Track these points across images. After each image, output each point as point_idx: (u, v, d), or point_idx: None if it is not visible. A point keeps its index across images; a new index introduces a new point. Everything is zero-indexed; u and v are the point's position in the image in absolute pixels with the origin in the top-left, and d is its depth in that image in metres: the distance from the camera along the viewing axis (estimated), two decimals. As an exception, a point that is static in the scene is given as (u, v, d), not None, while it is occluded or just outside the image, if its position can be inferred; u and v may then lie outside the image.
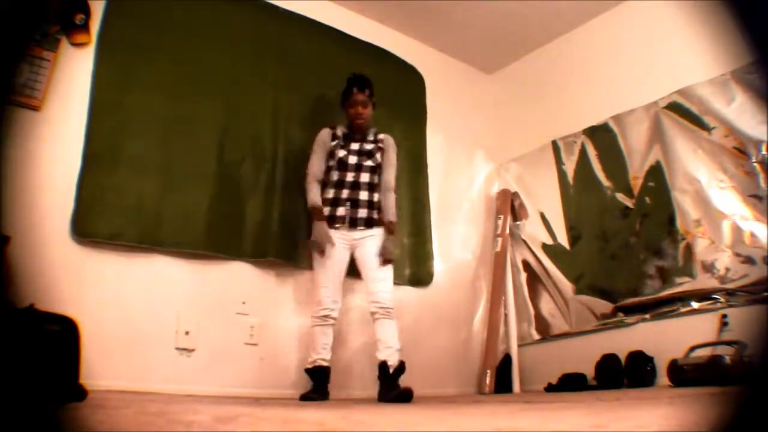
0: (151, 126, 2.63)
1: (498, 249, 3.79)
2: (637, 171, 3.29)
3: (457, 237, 3.83)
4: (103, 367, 2.14)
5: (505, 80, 4.32)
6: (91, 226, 2.39)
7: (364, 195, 2.71)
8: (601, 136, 3.52)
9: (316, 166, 2.78)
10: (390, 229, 2.72)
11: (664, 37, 3.21)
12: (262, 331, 2.78)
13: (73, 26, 2.51)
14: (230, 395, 2.49)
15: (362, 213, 2.69)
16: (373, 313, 2.61)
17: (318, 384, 2.53)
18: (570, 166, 3.68)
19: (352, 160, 2.74)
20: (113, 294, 2.40)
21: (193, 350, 2.56)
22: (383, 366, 2.50)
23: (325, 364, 2.57)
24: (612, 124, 3.47)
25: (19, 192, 2.08)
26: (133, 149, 2.56)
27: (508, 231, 3.83)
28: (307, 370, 2.57)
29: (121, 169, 2.51)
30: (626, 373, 2.93)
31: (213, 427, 1.00)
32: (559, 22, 3.78)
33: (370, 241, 2.68)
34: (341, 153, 2.75)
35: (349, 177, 2.71)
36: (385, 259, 2.65)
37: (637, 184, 3.27)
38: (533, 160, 3.91)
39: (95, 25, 2.58)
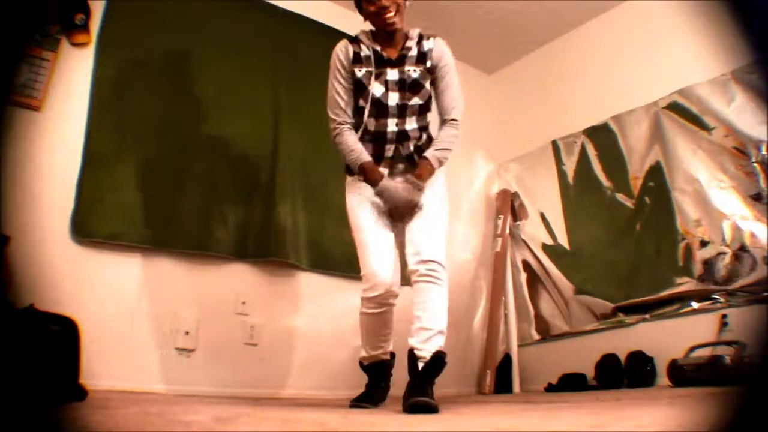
0: (151, 126, 2.63)
1: (498, 249, 3.79)
2: (637, 171, 3.29)
3: (457, 237, 3.83)
4: (103, 367, 2.14)
5: (505, 80, 4.32)
6: (91, 226, 2.39)
7: (411, 146, 1.96)
8: (601, 136, 3.52)
9: (341, 105, 1.97)
10: (419, 173, 1.91)
11: (664, 37, 3.21)
12: (262, 331, 2.78)
13: (73, 26, 2.51)
14: (230, 395, 2.49)
15: (411, 168, 1.98)
16: (412, 273, 1.86)
17: (372, 383, 2.04)
18: (570, 166, 3.68)
19: (393, 99, 1.91)
20: (113, 294, 2.39)
21: (193, 350, 2.56)
22: (411, 356, 1.77)
23: (384, 357, 2.04)
24: (612, 124, 3.47)
25: (19, 192, 2.09)
26: (133, 149, 2.56)
27: (508, 231, 3.82)
28: (362, 367, 2.08)
29: (121, 169, 2.51)
30: (626, 373, 2.93)
31: (213, 427, 1.00)
32: (559, 22, 3.78)
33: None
34: (376, 89, 1.91)
35: (391, 125, 1.92)
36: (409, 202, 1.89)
37: (637, 184, 3.27)
38: (533, 160, 3.91)
39: (95, 25, 2.58)
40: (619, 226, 3.30)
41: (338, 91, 1.98)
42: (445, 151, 1.96)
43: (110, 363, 2.24)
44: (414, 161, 1.96)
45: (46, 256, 2.20)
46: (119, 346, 2.33)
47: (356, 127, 1.98)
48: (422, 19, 3.76)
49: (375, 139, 1.96)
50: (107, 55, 2.57)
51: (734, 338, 2.50)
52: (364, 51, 1.95)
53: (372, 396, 2.00)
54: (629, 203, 3.29)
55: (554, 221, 3.69)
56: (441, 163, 1.97)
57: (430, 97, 1.97)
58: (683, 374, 2.52)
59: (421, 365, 1.73)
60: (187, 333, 2.55)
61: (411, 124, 1.94)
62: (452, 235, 3.79)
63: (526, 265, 3.79)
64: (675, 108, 3.13)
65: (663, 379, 2.70)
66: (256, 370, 2.72)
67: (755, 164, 2.76)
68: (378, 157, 1.96)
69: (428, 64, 1.95)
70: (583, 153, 3.61)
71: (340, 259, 2.98)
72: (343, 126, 1.97)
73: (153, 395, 2.20)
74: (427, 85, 1.95)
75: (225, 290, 2.72)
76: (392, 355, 2.10)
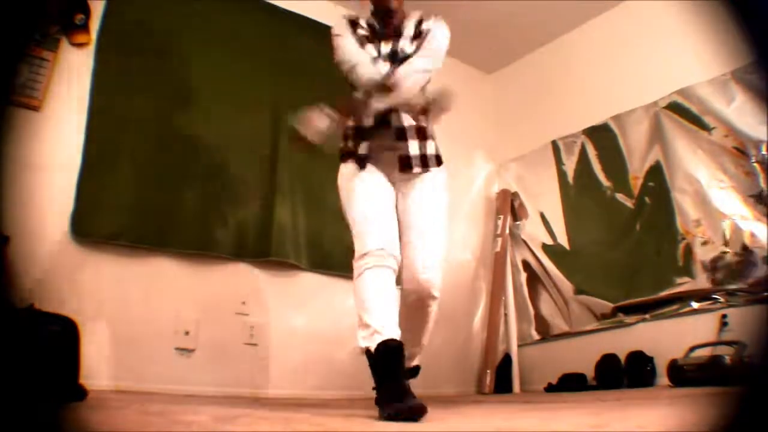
0: (151, 126, 2.63)
1: (498, 249, 3.79)
2: (637, 171, 3.29)
3: (457, 237, 3.83)
4: (103, 367, 2.14)
5: (505, 80, 4.32)
6: (90, 226, 2.39)
7: (409, 121, 1.83)
8: (601, 136, 3.52)
9: (356, 47, 1.86)
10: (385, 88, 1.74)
11: (664, 37, 3.21)
12: (262, 331, 2.78)
13: (73, 26, 2.51)
14: (230, 395, 2.49)
15: (413, 148, 1.83)
16: (404, 298, 1.77)
17: (388, 378, 1.49)
18: (570, 166, 3.68)
19: (384, 68, 1.81)
20: (113, 294, 2.39)
21: (192, 350, 2.56)
22: None
23: (393, 336, 1.55)
24: (612, 124, 3.47)
25: (19, 192, 2.08)
26: (133, 149, 2.56)
27: (508, 231, 3.82)
28: (368, 355, 1.57)
29: (121, 169, 2.51)
30: (626, 373, 2.93)
31: (213, 427, 1.00)
32: (559, 22, 3.77)
33: (419, 187, 1.84)
34: (370, 51, 1.85)
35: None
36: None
37: (637, 184, 3.27)
38: (533, 160, 3.91)
39: (95, 25, 2.59)
40: (619, 226, 3.30)
41: (341, 45, 1.88)
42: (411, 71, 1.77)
43: (110, 363, 2.23)
44: (404, 136, 1.82)
45: (46, 256, 2.20)
46: (119, 346, 2.33)
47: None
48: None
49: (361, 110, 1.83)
50: (107, 55, 2.57)
51: (734, 338, 2.50)
52: (361, 25, 1.92)
53: (402, 393, 1.45)
54: (629, 203, 3.29)
55: (554, 221, 3.69)
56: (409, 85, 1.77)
57: None
58: (683, 374, 2.52)
59: None
60: (187, 333, 2.55)
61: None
62: (452, 235, 3.80)
63: (526, 265, 3.79)
64: (675, 108, 3.13)
65: (663, 379, 2.70)
66: (256, 370, 2.71)
67: (755, 164, 2.76)
68: (361, 132, 1.84)
69: (422, 37, 1.87)
70: (583, 153, 3.61)
71: (340, 259, 2.97)
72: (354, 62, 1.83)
73: (153, 395, 2.20)
74: None
75: (225, 290, 2.72)
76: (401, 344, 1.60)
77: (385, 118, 1.82)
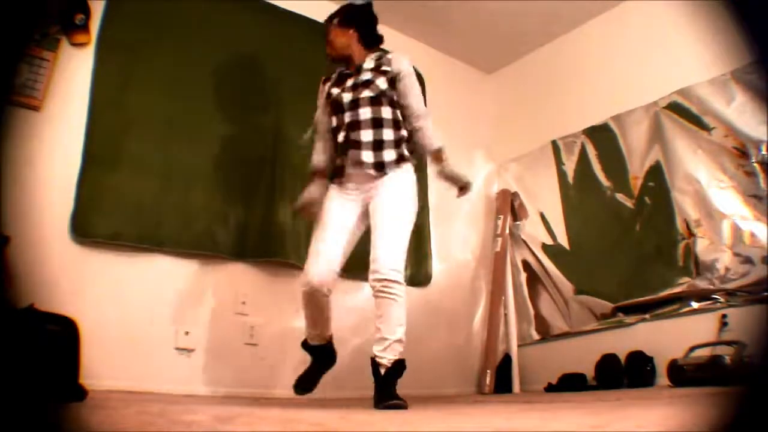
0: (151, 126, 2.64)
1: (498, 249, 3.79)
2: (637, 171, 3.29)
3: (456, 237, 3.83)
4: (103, 367, 2.13)
5: (505, 80, 4.32)
6: (91, 226, 2.39)
7: (367, 135, 2.13)
8: (601, 136, 3.52)
9: (319, 120, 2.36)
10: (438, 157, 2.23)
11: (664, 37, 3.21)
12: (262, 331, 2.78)
13: (73, 26, 2.51)
14: (230, 395, 2.50)
15: (367, 156, 2.13)
16: (372, 286, 2.05)
17: (314, 364, 2.25)
18: (570, 166, 3.68)
19: (347, 97, 2.18)
20: (113, 294, 2.39)
21: (192, 350, 2.56)
22: (373, 363, 1.99)
23: (321, 342, 2.23)
24: (612, 124, 3.47)
25: (19, 192, 2.08)
26: (133, 149, 2.56)
27: (508, 231, 3.83)
28: (306, 346, 2.29)
29: (121, 169, 2.51)
30: (626, 373, 2.93)
31: (213, 427, 1.00)
32: (559, 23, 3.78)
33: (380, 192, 2.14)
34: (335, 91, 2.24)
35: (347, 117, 2.17)
36: (462, 188, 2.21)
37: (637, 184, 3.27)
38: (533, 160, 3.91)
39: (95, 25, 2.59)
40: (619, 226, 3.31)
41: (318, 107, 2.38)
42: (439, 139, 2.25)
43: (110, 363, 2.23)
44: (359, 147, 2.14)
45: (46, 256, 2.19)
46: (119, 346, 2.33)
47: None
48: (422, 19, 3.77)
49: (334, 131, 2.22)
50: (107, 55, 2.57)
51: (734, 338, 2.50)
52: (333, 76, 2.34)
53: (314, 377, 2.23)
54: (629, 203, 3.29)
55: (554, 221, 3.69)
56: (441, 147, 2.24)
57: (383, 93, 2.17)
58: (683, 374, 2.52)
59: (382, 371, 1.95)
60: (187, 333, 2.55)
61: (365, 114, 2.14)
62: (452, 235, 3.82)
63: (526, 265, 3.79)
64: (675, 108, 3.13)
65: (663, 379, 2.70)
66: (256, 370, 2.72)
67: (755, 164, 2.76)
68: (336, 148, 2.23)
69: (384, 68, 2.22)
70: (583, 153, 3.61)
71: (340, 259, 2.98)
72: (316, 135, 2.40)
73: (153, 395, 2.20)
74: (379, 82, 2.18)
75: (225, 290, 2.72)
76: (330, 337, 2.27)
77: (351, 138, 2.15)
